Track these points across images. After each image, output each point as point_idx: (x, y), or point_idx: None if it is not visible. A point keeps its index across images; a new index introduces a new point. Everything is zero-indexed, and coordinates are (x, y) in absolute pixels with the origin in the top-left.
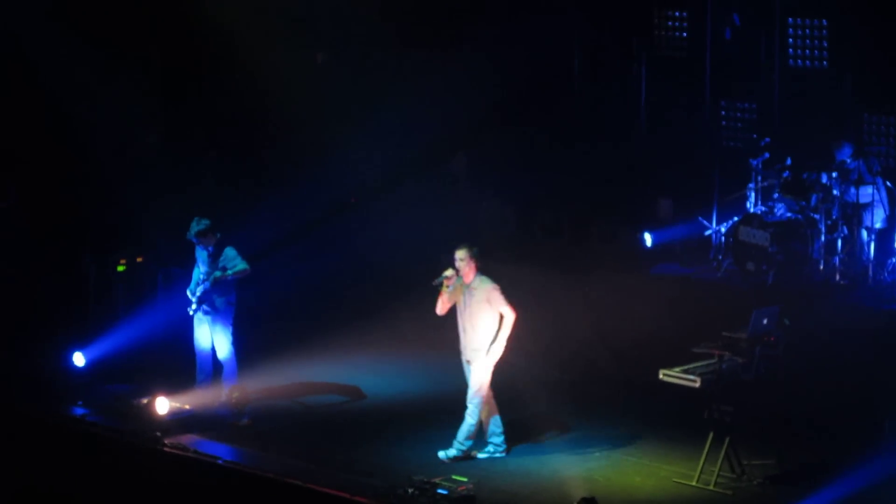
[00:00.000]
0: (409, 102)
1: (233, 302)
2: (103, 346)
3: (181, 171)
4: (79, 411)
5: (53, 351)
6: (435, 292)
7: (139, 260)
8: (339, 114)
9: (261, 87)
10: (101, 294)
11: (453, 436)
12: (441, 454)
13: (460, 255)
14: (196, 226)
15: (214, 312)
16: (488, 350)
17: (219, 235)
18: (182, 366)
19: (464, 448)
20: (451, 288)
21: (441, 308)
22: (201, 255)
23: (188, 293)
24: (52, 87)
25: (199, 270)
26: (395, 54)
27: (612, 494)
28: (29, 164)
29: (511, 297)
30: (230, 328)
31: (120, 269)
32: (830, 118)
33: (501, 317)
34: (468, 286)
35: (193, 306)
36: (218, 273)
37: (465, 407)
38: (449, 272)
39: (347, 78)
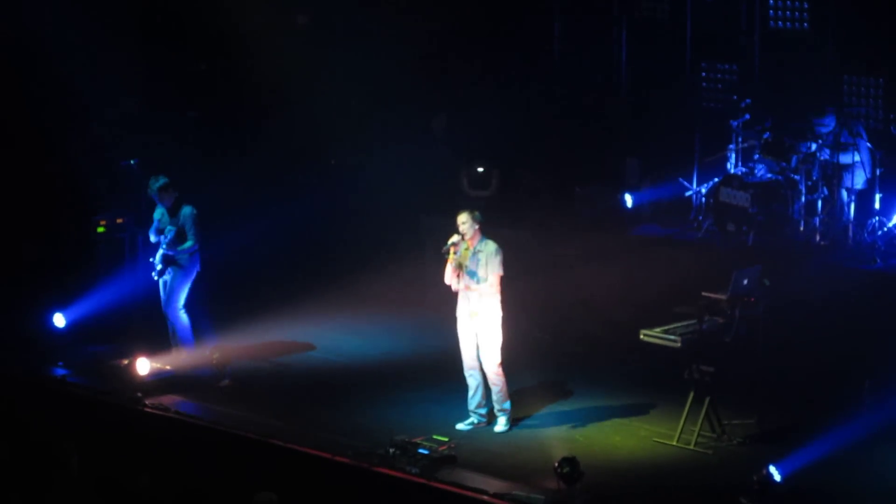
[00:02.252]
0: (389, 63)
1: (192, 261)
2: (84, 308)
3: (161, 134)
4: (59, 372)
5: (34, 312)
6: (443, 259)
7: (119, 221)
8: (319, 76)
9: (240, 50)
10: (82, 255)
11: (439, 395)
12: (496, 429)
13: (462, 219)
14: (154, 183)
15: (174, 269)
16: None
17: (176, 194)
18: (162, 327)
19: (508, 410)
20: (458, 254)
21: (449, 276)
22: (163, 213)
23: (152, 259)
24: (28, 52)
25: (156, 231)
26: (375, 16)
27: (593, 454)
28: (7, 127)
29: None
30: (183, 286)
31: (100, 230)
32: (811, 80)
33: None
34: (473, 250)
35: (157, 268)
36: (163, 244)
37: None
38: (454, 238)
39: (327, 39)
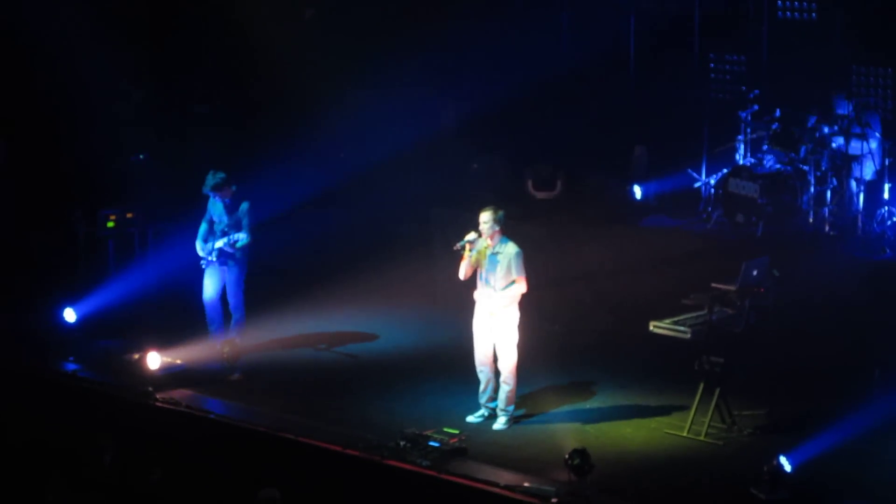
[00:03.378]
0: (399, 56)
1: (247, 254)
2: (94, 302)
3: (170, 127)
4: (70, 367)
5: (44, 307)
6: (456, 255)
7: (129, 216)
8: (327, 69)
9: (248, 43)
10: (92, 250)
11: (450, 388)
12: (495, 427)
13: (484, 217)
14: (212, 179)
15: (230, 263)
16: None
17: (234, 188)
18: (173, 321)
19: (511, 414)
20: (473, 251)
21: (464, 273)
22: (216, 207)
23: (198, 246)
24: (38, 46)
25: (211, 224)
26: (381, 9)
27: (603, 445)
28: (17, 122)
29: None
30: (243, 279)
31: (110, 224)
32: (819, 70)
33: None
34: (491, 250)
35: (209, 258)
36: (227, 243)
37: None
38: (471, 235)
39: (334, 33)
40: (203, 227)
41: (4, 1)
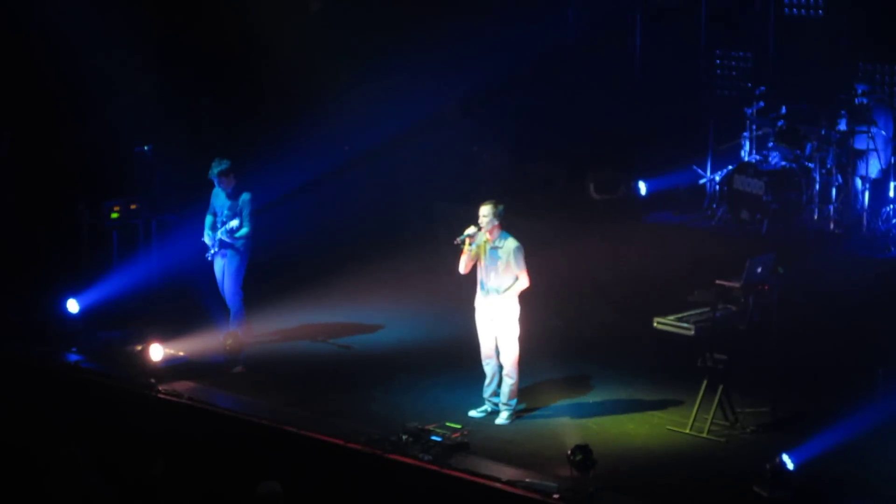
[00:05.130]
0: (405, 49)
1: (250, 247)
2: (97, 293)
3: (175, 119)
4: (72, 358)
5: (47, 298)
6: (457, 250)
7: (133, 207)
8: (331, 61)
9: (254, 34)
10: (95, 241)
11: (452, 383)
12: (497, 421)
13: (484, 211)
14: (217, 165)
15: (231, 254)
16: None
17: (235, 179)
18: (176, 312)
19: (513, 408)
20: (473, 246)
21: (464, 267)
22: (219, 196)
23: (206, 237)
24: (43, 36)
25: (214, 215)
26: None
27: (606, 442)
28: (21, 113)
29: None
30: (241, 269)
31: (113, 216)
32: (825, 67)
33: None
34: (492, 245)
35: (213, 250)
36: (224, 231)
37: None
38: (471, 229)
39: (340, 24)
40: (209, 220)
41: None
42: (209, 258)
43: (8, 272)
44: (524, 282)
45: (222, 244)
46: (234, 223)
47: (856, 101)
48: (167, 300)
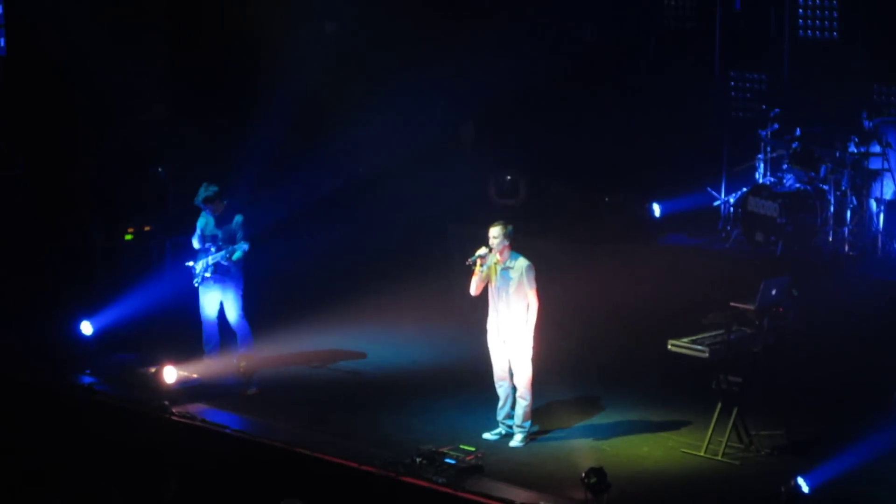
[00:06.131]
0: (418, 71)
1: (242, 267)
2: (111, 315)
3: (189, 141)
4: (86, 380)
5: (61, 320)
6: (470, 271)
7: (147, 229)
8: (347, 83)
9: (268, 57)
10: (109, 263)
11: (466, 405)
12: (511, 444)
13: (494, 232)
14: (204, 191)
15: (226, 279)
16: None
17: (226, 202)
18: (189, 335)
19: (527, 430)
20: (484, 267)
21: (475, 288)
22: (207, 222)
23: (192, 263)
24: (59, 57)
25: (202, 238)
26: (403, 23)
27: (620, 464)
28: (36, 133)
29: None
30: (241, 294)
31: (127, 237)
32: (840, 89)
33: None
34: (502, 265)
35: (204, 275)
36: (223, 256)
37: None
38: (482, 250)
39: (355, 47)
40: (197, 245)
41: (24, 16)
42: (196, 285)
43: (22, 293)
44: (534, 303)
45: (219, 268)
46: (232, 250)
47: (866, 124)
48: (181, 322)
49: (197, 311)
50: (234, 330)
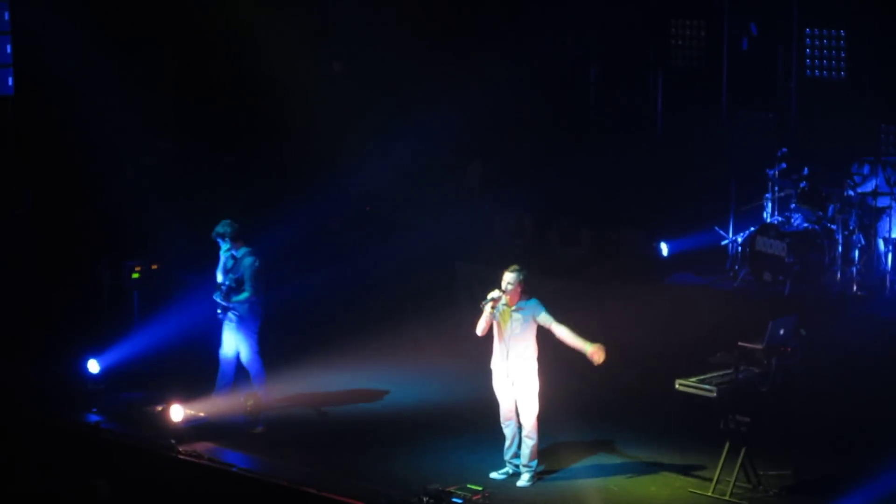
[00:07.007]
0: (425, 111)
1: (258, 305)
2: (118, 354)
3: (196, 179)
4: (93, 418)
5: (68, 358)
6: (478, 310)
7: (154, 267)
8: (354, 123)
9: (276, 96)
10: (116, 301)
11: (473, 444)
12: (519, 483)
13: (509, 278)
14: (220, 227)
15: (236, 318)
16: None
17: (240, 242)
18: (197, 373)
19: (534, 469)
20: (497, 310)
21: (481, 329)
22: (227, 257)
23: (216, 297)
24: (66, 95)
25: (224, 271)
26: (410, 63)
27: None
28: (43, 172)
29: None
30: (254, 333)
31: (134, 276)
32: (848, 129)
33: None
34: (513, 309)
35: (219, 310)
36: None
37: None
38: (496, 293)
39: (363, 87)
40: (219, 278)
41: (32, 54)
42: (220, 318)
43: (29, 331)
44: (564, 330)
45: (226, 309)
46: (224, 285)
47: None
48: (188, 361)
49: (212, 346)
50: (246, 369)
